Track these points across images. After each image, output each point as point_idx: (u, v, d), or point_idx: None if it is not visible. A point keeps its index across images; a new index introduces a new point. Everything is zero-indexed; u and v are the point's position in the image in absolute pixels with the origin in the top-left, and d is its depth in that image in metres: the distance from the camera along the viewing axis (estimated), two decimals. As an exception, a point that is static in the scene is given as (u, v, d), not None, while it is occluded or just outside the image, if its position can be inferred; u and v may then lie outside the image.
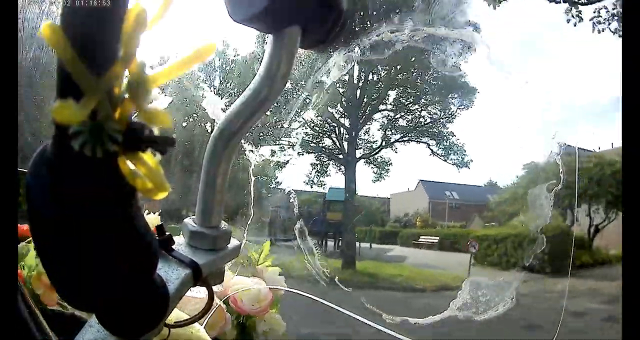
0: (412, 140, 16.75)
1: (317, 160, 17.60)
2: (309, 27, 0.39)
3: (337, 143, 16.12)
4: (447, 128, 16.61)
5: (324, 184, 17.69)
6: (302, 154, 16.08)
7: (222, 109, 0.52)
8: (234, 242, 0.44)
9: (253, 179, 0.75)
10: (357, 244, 15.83)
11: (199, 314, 0.45)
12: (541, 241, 0.80)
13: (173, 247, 0.41)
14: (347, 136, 15.63)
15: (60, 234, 0.28)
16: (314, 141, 16.49)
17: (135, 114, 0.25)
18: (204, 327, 0.70)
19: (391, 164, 18.07)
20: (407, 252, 18.40)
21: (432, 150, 16.78)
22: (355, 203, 16.95)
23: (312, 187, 17.39)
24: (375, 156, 17.71)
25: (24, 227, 0.52)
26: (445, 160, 16.87)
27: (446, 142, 16.92)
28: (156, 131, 0.25)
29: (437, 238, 20.23)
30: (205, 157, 0.42)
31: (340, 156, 15.81)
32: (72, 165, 0.25)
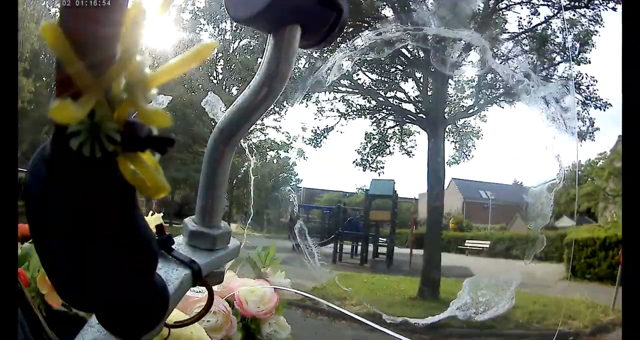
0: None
1: (375, 127, 10.78)
2: (308, 27, 0.39)
3: (420, 90, 9.39)
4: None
5: (382, 167, 11.32)
6: (352, 117, 10.29)
7: (221, 108, 0.52)
8: (234, 242, 0.44)
9: (253, 178, 0.75)
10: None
11: (198, 314, 0.45)
12: (541, 241, 0.80)
13: (173, 247, 0.40)
14: (430, 85, 8.90)
15: (60, 233, 0.28)
16: (375, 92, 9.92)
17: (135, 114, 0.25)
18: (208, 329, 0.70)
19: (481, 136, 11.44)
20: (458, 260, 13.84)
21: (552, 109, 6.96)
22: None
23: (364, 170, 11.49)
24: (459, 123, 10.83)
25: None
26: (566, 129, 7.86)
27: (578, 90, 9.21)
28: (155, 131, 0.25)
29: (488, 242, 16.63)
30: (205, 157, 0.42)
31: (423, 116, 9.18)
32: (71, 165, 0.25)
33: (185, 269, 0.39)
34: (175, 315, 0.45)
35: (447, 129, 9.88)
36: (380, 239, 12.85)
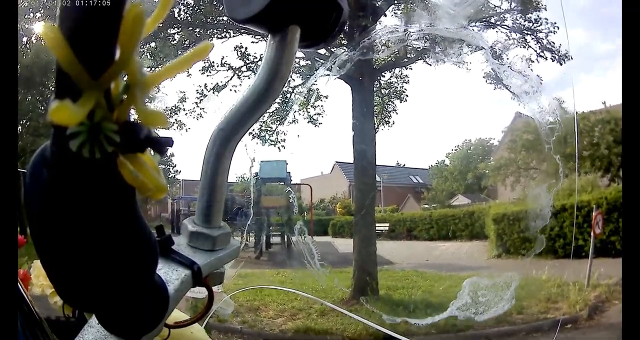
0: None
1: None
2: (308, 27, 0.39)
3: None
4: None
5: (283, 141, 8.38)
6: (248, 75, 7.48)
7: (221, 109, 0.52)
8: (233, 243, 0.44)
9: (253, 178, 0.75)
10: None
11: (198, 314, 0.45)
12: (541, 241, 0.80)
13: (173, 247, 0.41)
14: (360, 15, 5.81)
15: (60, 234, 0.28)
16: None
17: (134, 115, 0.25)
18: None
19: (406, 98, 8.83)
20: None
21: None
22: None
23: (264, 143, 8.42)
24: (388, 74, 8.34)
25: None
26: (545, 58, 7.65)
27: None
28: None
29: (387, 225, 15.73)
30: (205, 157, 0.42)
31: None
32: (71, 166, 0.25)
33: (185, 269, 0.39)
34: (175, 315, 0.45)
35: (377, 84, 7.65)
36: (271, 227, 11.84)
